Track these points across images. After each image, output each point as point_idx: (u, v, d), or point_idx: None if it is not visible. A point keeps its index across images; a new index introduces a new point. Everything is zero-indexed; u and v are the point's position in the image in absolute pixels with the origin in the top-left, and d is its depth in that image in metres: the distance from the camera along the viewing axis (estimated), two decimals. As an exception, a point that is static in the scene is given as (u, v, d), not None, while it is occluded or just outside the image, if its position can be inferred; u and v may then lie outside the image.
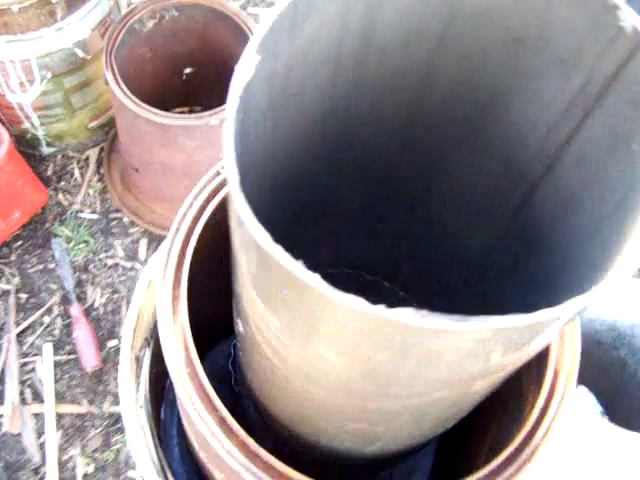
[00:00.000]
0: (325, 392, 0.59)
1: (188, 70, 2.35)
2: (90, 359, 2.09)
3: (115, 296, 2.23)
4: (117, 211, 2.35)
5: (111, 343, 2.16)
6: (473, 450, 0.96)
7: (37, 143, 2.37)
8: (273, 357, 0.60)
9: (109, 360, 2.13)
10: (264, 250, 0.41)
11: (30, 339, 2.14)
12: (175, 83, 2.39)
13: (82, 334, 2.11)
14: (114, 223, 2.34)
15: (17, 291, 2.20)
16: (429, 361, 0.47)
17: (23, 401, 2.07)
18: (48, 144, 2.38)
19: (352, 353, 0.49)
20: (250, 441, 0.70)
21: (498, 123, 0.65)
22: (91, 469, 2.00)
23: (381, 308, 0.38)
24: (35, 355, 2.13)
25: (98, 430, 2.05)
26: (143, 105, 1.90)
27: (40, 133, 2.32)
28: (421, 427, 0.71)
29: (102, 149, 2.44)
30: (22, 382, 2.09)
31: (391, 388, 0.54)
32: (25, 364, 2.11)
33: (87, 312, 2.18)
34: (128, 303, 2.21)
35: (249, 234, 0.42)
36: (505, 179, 0.70)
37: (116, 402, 2.08)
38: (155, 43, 2.17)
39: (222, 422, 0.71)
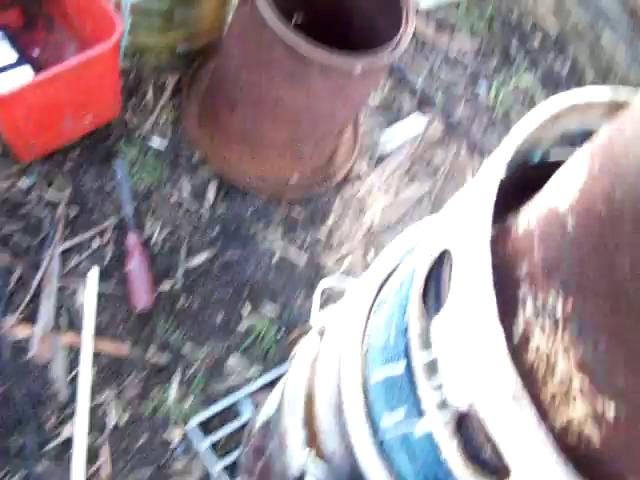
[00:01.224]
0: None
1: (299, 16, 2.15)
2: (142, 297, 1.82)
3: (175, 235, 1.97)
4: (188, 146, 2.11)
5: (165, 285, 1.90)
6: None
7: (114, 52, 2.11)
8: None
9: (160, 303, 1.87)
10: None
11: (74, 260, 1.85)
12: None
13: (137, 268, 1.85)
14: (183, 158, 2.09)
15: (68, 204, 1.91)
16: None
17: (57, 327, 1.77)
18: (125, 57, 2.11)
19: None
20: None
21: None
22: (124, 419, 1.72)
23: None
24: (78, 278, 1.84)
25: (138, 378, 1.77)
26: (290, 31, 1.70)
27: (123, 42, 2.06)
28: None
29: (181, 78, 2.19)
30: (58, 306, 1.79)
31: None
32: (65, 286, 1.82)
33: (143, 246, 1.91)
34: (189, 247, 1.96)
35: None
36: None
37: (162, 350, 1.82)
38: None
39: None
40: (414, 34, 2.66)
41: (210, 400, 1.79)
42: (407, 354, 0.96)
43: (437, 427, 0.88)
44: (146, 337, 1.82)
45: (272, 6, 1.69)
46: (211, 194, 2.06)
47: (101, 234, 1.90)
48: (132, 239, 1.88)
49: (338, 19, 2.09)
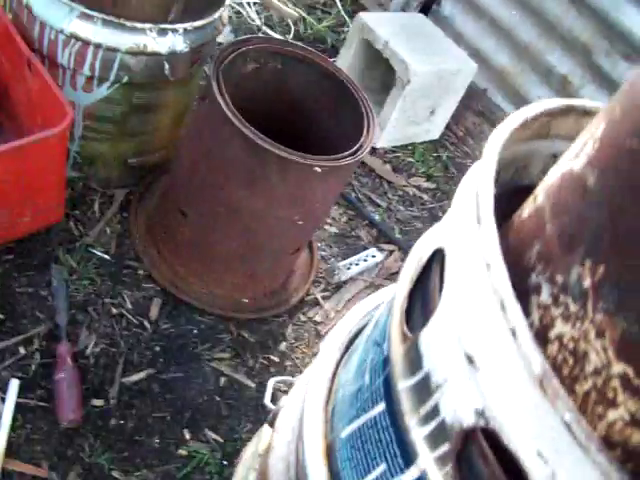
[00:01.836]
0: None
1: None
2: (68, 411, 1.60)
3: (112, 350, 1.77)
4: (134, 260, 1.96)
5: (95, 402, 1.67)
6: None
7: (62, 160, 2.01)
8: None
9: (89, 422, 1.64)
10: None
11: (-6, 368, 1.64)
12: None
13: (66, 379, 1.63)
14: (127, 271, 1.93)
15: (-6, 308, 1.72)
16: None
17: (-36, 442, 1.52)
18: (74, 166, 2.01)
19: None
20: None
21: None
22: None
23: None
24: (-5, 389, 1.61)
25: (54, 507, 1.51)
26: (248, 125, 1.63)
27: (73, 148, 1.97)
28: None
29: (131, 192, 2.09)
30: (-31, 418, 1.55)
31: None
32: (-21, 396, 1.59)
33: (75, 357, 1.70)
34: (126, 363, 1.76)
35: None
36: None
37: (85, 474, 1.56)
38: (242, 86, 1.91)
39: None
40: (372, 171, 2.65)
41: (138, 536, 1.53)
42: (387, 390, 0.79)
43: (431, 464, 0.70)
44: (69, 458, 1.57)
45: (230, 104, 1.63)
46: (155, 309, 1.89)
47: (28, 342, 1.70)
48: (63, 349, 1.68)
49: (295, 133, 2.04)
